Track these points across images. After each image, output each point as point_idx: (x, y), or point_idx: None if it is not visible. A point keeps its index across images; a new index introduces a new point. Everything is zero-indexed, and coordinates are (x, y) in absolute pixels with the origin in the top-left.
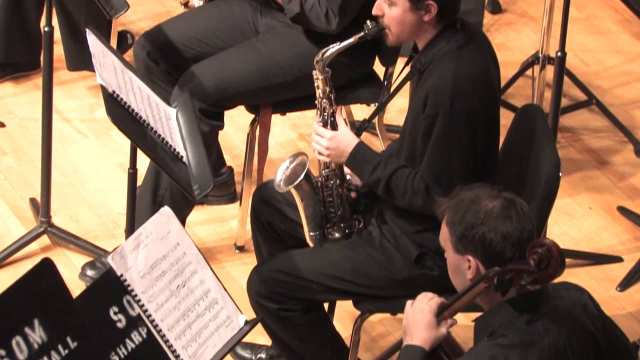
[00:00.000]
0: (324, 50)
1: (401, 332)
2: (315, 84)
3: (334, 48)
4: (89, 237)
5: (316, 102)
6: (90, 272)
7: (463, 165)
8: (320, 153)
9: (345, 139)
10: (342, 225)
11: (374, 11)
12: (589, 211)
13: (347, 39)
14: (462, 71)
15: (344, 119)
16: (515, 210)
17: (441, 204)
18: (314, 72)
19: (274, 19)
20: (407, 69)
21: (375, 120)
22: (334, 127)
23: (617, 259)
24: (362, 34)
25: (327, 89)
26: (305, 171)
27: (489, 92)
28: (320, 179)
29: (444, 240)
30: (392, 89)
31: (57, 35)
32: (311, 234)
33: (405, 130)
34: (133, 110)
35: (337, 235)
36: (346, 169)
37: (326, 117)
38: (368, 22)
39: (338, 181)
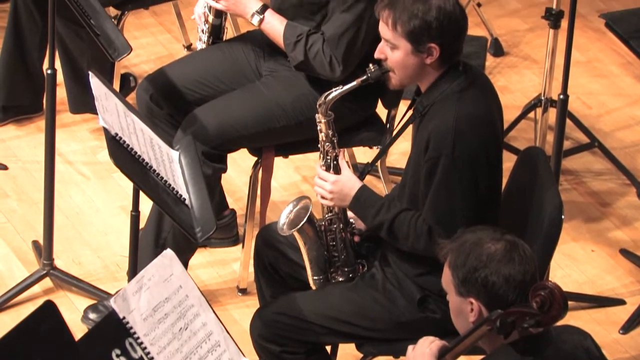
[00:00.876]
0: (326, 94)
1: None
2: (318, 127)
3: (336, 91)
4: (92, 279)
5: (319, 145)
6: (92, 315)
7: (465, 207)
8: (323, 197)
9: (349, 183)
10: (345, 269)
11: (377, 54)
12: (592, 254)
13: (350, 82)
14: (463, 113)
15: (347, 162)
16: (518, 253)
17: (444, 246)
18: (316, 115)
19: (277, 62)
20: (410, 112)
21: (378, 163)
22: (337, 170)
23: (620, 302)
24: (364, 77)
25: (330, 132)
26: (308, 215)
27: (491, 135)
28: (323, 223)
29: (446, 283)
30: (395, 132)
31: (59, 77)
32: (314, 278)
33: (407, 172)
34: (136, 152)
35: (340, 279)
36: (350, 213)
37: (329, 161)
38: (370, 65)
39: (341, 225)
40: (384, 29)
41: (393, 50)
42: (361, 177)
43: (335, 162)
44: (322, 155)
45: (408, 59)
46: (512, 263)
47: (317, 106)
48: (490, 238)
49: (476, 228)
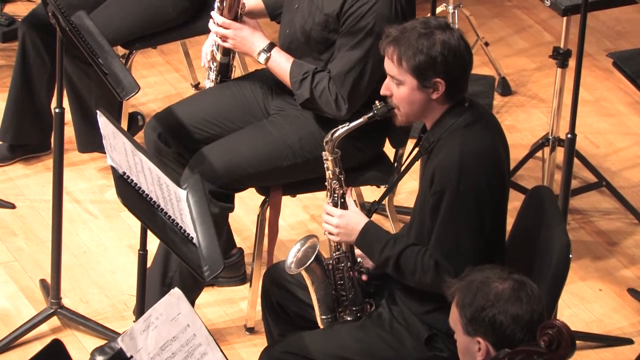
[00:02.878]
0: (333, 131)
1: None
2: (325, 165)
3: (343, 128)
4: (99, 318)
5: (326, 183)
6: (99, 358)
7: (472, 241)
8: (329, 232)
9: (355, 218)
10: (353, 309)
11: (382, 91)
12: (600, 293)
13: (357, 119)
14: (468, 148)
15: (354, 200)
16: (525, 292)
17: (451, 285)
18: (323, 153)
19: (285, 101)
20: (416, 150)
21: (386, 201)
22: (344, 208)
23: (628, 341)
24: (371, 114)
25: (337, 170)
26: (315, 253)
27: (496, 170)
28: (331, 262)
29: (453, 322)
30: (402, 169)
31: (67, 116)
32: (323, 317)
33: (415, 210)
34: (143, 191)
35: (348, 318)
36: (357, 251)
37: (336, 199)
38: (377, 102)
39: (349, 264)
40: (390, 65)
41: (399, 86)
42: (368, 215)
43: (342, 200)
44: (329, 193)
45: (414, 94)
46: (519, 302)
47: (324, 144)
48: (498, 277)
49: (483, 267)
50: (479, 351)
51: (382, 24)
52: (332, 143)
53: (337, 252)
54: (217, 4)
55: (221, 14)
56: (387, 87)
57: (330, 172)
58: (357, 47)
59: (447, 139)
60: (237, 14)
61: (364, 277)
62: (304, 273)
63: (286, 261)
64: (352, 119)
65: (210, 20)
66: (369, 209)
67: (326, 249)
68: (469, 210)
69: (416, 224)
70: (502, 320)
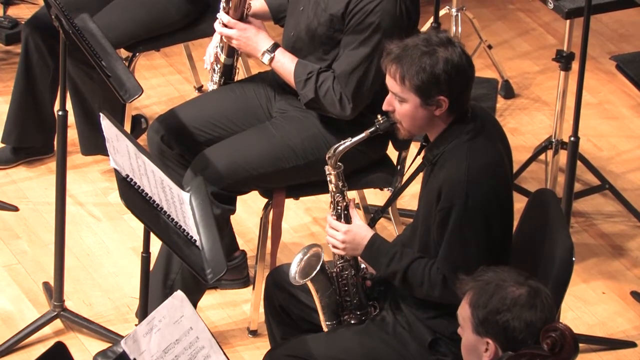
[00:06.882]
0: (335, 146)
1: None
2: (328, 179)
3: (345, 144)
4: (102, 321)
5: (329, 195)
6: None
7: (480, 255)
8: (335, 247)
9: (360, 232)
10: (358, 313)
11: (384, 107)
12: (603, 296)
13: (359, 134)
14: (474, 163)
15: (358, 203)
16: (541, 299)
17: (465, 283)
18: (326, 167)
19: (288, 103)
20: (419, 159)
21: None
22: (348, 220)
23: (631, 344)
24: (373, 128)
25: (340, 184)
26: (320, 264)
27: (502, 182)
28: (335, 269)
29: (463, 319)
30: (405, 179)
31: (70, 119)
32: (327, 323)
33: (417, 218)
34: (146, 194)
35: (352, 322)
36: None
37: (340, 211)
38: (379, 116)
39: (353, 271)
40: (392, 83)
41: (401, 103)
42: (372, 224)
43: (346, 212)
44: (332, 206)
45: (417, 111)
46: (534, 309)
47: (327, 159)
48: (514, 281)
49: (499, 268)
50: (486, 352)
51: (387, 22)
52: (335, 158)
53: (341, 261)
54: (222, 4)
55: (227, 14)
56: (389, 103)
57: (333, 185)
58: (362, 45)
59: (452, 152)
60: (242, 14)
61: (368, 283)
62: (309, 284)
63: (289, 272)
64: (354, 133)
65: (217, 21)
66: (372, 218)
67: (327, 253)
68: (477, 224)
69: (420, 235)
70: (516, 325)
